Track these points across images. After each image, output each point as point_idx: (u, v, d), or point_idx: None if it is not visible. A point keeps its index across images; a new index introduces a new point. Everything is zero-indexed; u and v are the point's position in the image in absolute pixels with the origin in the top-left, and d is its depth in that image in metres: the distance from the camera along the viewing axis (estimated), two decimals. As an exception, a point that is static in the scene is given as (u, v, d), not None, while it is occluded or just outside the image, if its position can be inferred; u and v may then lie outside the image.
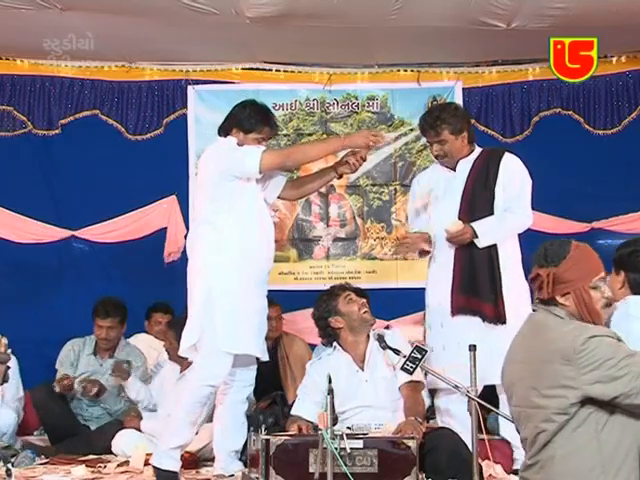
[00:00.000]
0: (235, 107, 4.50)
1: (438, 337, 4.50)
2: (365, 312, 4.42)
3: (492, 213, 4.48)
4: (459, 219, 4.44)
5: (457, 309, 4.41)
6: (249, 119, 4.40)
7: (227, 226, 4.28)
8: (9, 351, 3.94)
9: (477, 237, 4.41)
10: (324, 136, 6.59)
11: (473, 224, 4.41)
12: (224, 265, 4.25)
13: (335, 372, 4.05)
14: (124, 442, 5.11)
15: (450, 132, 4.50)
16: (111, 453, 5.14)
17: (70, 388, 5.43)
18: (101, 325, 5.60)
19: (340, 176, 4.59)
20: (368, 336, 4.41)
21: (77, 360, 5.65)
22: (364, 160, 4.45)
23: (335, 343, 4.45)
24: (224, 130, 4.46)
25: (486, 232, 4.42)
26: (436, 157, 4.61)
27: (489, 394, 4.23)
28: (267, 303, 4.44)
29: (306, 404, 4.30)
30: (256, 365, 4.48)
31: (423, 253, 4.62)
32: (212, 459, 4.63)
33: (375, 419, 4.17)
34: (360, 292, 4.60)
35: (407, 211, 4.96)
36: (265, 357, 4.44)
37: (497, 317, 4.35)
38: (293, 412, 4.37)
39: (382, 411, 4.23)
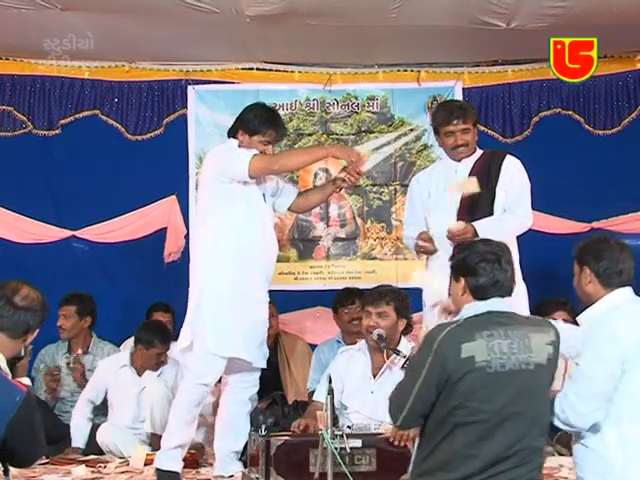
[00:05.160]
0: (244, 110, 4.52)
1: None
2: (368, 332, 4.37)
3: (492, 213, 4.49)
4: (459, 218, 4.45)
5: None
6: (254, 121, 4.41)
7: (221, 229, 4.31)
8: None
9: (478, 237, 4.41)
10: (324, 136, 6.60)
11: (474, 224, 4.41)
12: (216, 267, 4.28)
13: (352, 367, 4.23)
14: (107, 437, 5.10)
15: (472, 123, 4.59)
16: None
17: (58, 379, 5.54)
18: (59, 314, 5.63)
19: (339, 189, 4.60)
20: (388, 354, 4.36)
21: (53, 363, 5.70)
22: (360, 175, 4.45)
23: (364, 342, 4.49)
24: (232, 132, 4.49)
25: (487, 232, 4.41)
26: (458, 147, 4.57)
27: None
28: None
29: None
30: (260, 367, 4.49)
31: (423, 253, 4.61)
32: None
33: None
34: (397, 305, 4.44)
35: (405, 209, 4.97)
36: (261, 364, 4.44)
37: (496, 316, 4.35)
38: (315, 398, 4.43)
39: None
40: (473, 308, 3.05)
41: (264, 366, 4.48)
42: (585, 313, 3.22)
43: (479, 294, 3.06)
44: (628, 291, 3.21)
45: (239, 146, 4.41)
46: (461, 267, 3.14)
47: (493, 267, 3.05)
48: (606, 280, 3.17)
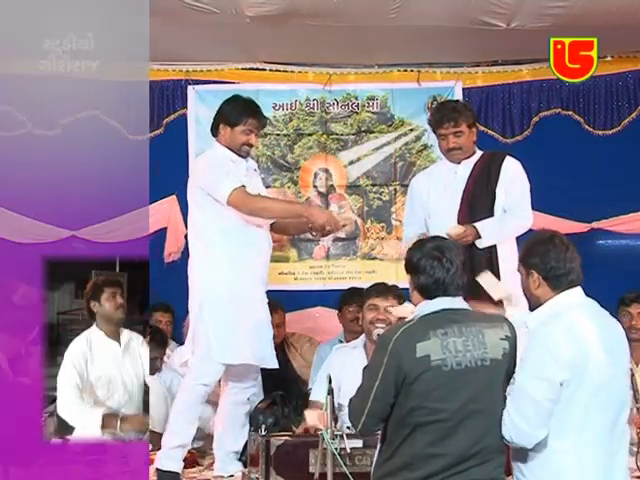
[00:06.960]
0: (221, 104, 4.56)
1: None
2: (375, 326, 4.36)
3: (492, 214, 4.49)
4: (459, 219, 4.45)
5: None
6: (233, 112, 4.44)
7: (214, 239, 4.32)
8: None
9: (480, 238, 4.41)
10: (324, 136, 6.61)
11: (476, 225, 4.41)
12: (212, 278, 4.29)
13: (349, 366, 4.20)
14: None
15: (467, 125, 4.55)
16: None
17: None
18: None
19: (309, 233, 4.59)
20: None
21: None
22: (329, 234, 4.49)
23: (363, 339, 4.48)
24: (214, 128, 4.52)
25: (489, 233, 4.43)
26: (450, 150, 4.58)
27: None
28: (269, 308, 4.47)
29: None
30: (260, 367, 4.49)
31: None
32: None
33: None
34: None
35: (405, 209, 4.98)
36: (272, 365, 4.46)
37: (497, 317, 4.35)
38: (312, 398, 4.43)
39: None
40: (426, 307, 3.04)
41: (276, 366, 4.48)
42: (532, 315, 3.13)
43: (423, 293, 3.06)
44: (576, 293, 3.09)
45: (224, 142, 4.42)
46: (406, 264, 3.14)
47: (433, 265, 3.02)
48: (555, 282, 3.06)
